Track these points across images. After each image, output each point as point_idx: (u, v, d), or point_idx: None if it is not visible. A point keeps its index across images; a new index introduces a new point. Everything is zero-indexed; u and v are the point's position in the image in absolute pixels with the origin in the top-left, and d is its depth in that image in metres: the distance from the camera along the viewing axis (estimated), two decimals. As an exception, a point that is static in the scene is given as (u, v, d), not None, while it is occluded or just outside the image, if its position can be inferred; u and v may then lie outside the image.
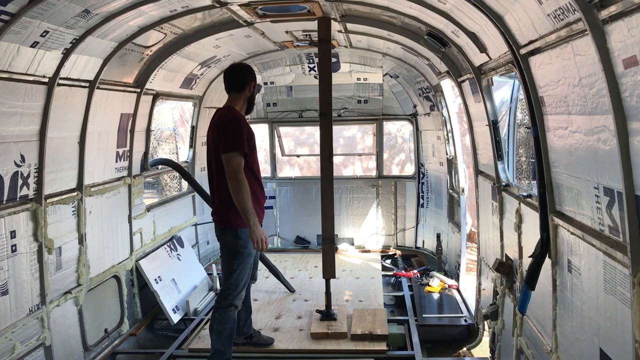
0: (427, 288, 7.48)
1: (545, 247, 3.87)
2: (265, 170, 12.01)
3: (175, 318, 6.57)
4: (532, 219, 4.31)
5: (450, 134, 7.78)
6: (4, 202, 4.33)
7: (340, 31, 6.78)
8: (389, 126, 9.66)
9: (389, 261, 9.15)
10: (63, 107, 4.90)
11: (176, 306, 6.71)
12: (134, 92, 6.25)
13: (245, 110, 5.05)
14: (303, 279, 7.98)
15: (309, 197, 9.64)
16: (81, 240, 5.43)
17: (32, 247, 4.69)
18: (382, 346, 5.65)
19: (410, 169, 11.04)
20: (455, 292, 7.35)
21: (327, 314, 6.21)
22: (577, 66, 2.99)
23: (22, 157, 4.48)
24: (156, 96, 6.85)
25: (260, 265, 7.69)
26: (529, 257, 4.12)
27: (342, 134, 18.28)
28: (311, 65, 8.88)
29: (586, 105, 2.98)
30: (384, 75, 9.11)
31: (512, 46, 3.84)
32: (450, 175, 8.17)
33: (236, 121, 4.75)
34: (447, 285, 7.51)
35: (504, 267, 5.07)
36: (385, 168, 9.91)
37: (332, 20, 5.97)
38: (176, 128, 19.03)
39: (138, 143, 6.62)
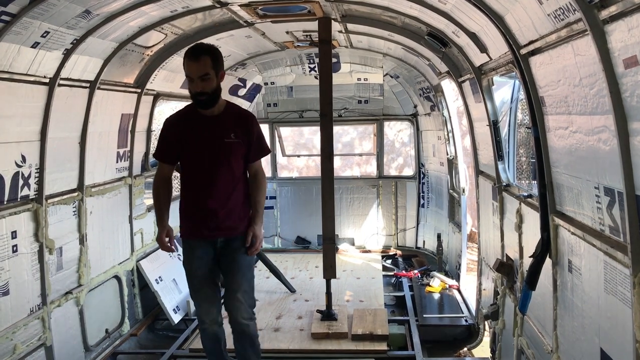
0: (428, 288, 7.48)
1: (546, 247, 3.87)
2: (265, 170, 12.03)
3: (176, 318, 6.57)
4: (532, 219, 4.31)
5: (450, 134, 7.78)
6: (5, 203, 4.34)
7: (340, 31, 6.78)
8: (387, 130, 9.68)
9: (389, 261, 9.15)
10: (64, 108, 4.91)
11: (177, 306, 6.71)
12: (135, 92, 6.25)
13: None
14: (304, 279, 7.98)
15: (310, 197, 9.63)
16: (82, 240, 5.43)
17: (33, 247, 4.69)
18: (383, 346, 5.65)
19: (408, 172, 11.04)
20: (455, 292, 7.34)
21: (327, 314, 6.20)
22: (578, 66, 2.99)
23: (23, 157, 4.49)
24: (157, 96, 6.86)
25: (261, 265, 7.71)
26: (530, 257, 4.12)
27: (340, 139, 18.26)
28: (312, 66, 8.88)
29: (586, 105, 2.98)
30: (384, 76, 9.10)
31: (513, 46, 3.84)
32: (450, 175, 8.17)
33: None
34: (447, 286, 7.51)
35: (505, 267, 5.07)
36: (384, 170, 9.94)
37: (332, 21, 5.97)
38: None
39: (139, 143, 6.62)
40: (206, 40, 6.35)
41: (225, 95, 9.20)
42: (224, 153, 4.09)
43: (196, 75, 3.88)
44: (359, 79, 9.22)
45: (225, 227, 4.18)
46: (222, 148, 4.09)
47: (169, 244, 4.30)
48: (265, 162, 13.02)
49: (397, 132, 17.31)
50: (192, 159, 4.16)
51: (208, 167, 4.10)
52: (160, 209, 4.34)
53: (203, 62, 3.89)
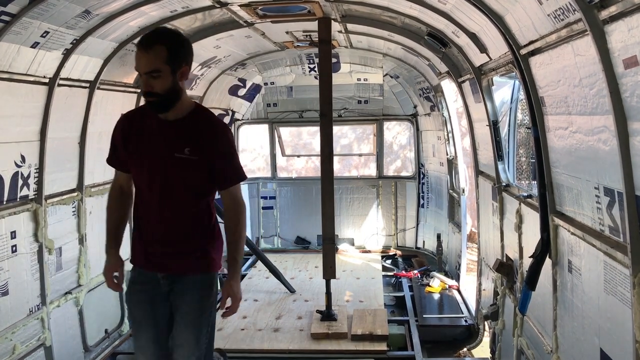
0: (428, 288, 7.48)
1: (546, 247, 3.87)
2: (265, 170, 12.06)
3: (176, 318, 6.56)
4: (532, 219, 4.30)
5: (450, 134, 7.78)
6: (4, 203, 4.33)
7: (340, 31, 6.78)
8: (385, 132, 9.70)
9: (389, 261, 9.15)
10: (63, 108, 4.90)
11: (176, 306, 6.70)
12: (134, 92, 6.25)
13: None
14: (303, 279, 7.97)
15: (309, 197, 9.63)
16: (81, 240, 5.43)
17: (33, 247, 4.69)
18: (383, 346, 5.65)
19: (408, 173, 11.05)
20: (455, 293, 7.34)
21: (327, 315, 6.20)
22: (578, 66, 2.99)
23: (23, 157, 4.48)
24: (156, 96, 6.84)
25: (261, 265, 7.71)
26: (530, 257, 4.12)
27: (339, 141, 18.24)
28: (311, 66, 8.87)
29: (586, 105, 2.98)
30: (384, 76, 9.10)
31: (513, 46, 3.84)
32: (450, 175, 8.17)
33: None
34: (447, 286, 7.51)
35: (505, 267, 5.07)
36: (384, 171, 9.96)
37: (332, 21, 5.97)
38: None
39: (138, 143, 6.61)
40: (206, 41, 6.33)
41: (224, 96, 9.27)
42: (172, 171, 3.15)
43: (143, 70, 2.97)
44: (358, 79, 9.21)
45: (171, 264, 3.27)
46: (170, 164, 3.14)
47: (116, 282, 3.34)
48: (264, 162, 13.03)
49: (396, 134, 17.31)
50: (137, 172, 3.28)
51: (153, 186, 3.20)
52: (109, 229, 3.39)
53: (154, 53, 2.95)
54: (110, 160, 3.41)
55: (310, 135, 18.56)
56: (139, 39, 3.10)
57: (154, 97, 3.04)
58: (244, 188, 9.84)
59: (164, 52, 2.96)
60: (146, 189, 3.23)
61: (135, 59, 3.01)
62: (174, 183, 3.17)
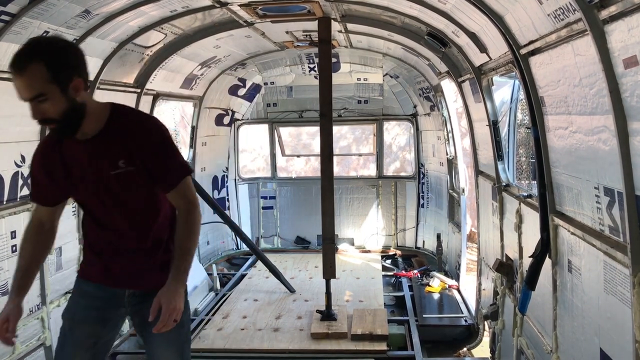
0: (428, 288, 7.48)
1: (546, 247, 3.87)
2: (265, 170, 12.05)
3: (176, 318, 6.55)
4: (532, 219, 4.30)
5: (450, 134, 7.78)
6: (5, 203, 4.34)
7: (340, 31, 6.78)
8: (384, 134, 9.74)
9: (389, 261, 9.15)
10: (63, 108, 4.89)
11: (176, 306, 6.69)
12: (134, 92, 6.25)
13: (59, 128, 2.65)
14: (303, 279, 7.97)
15: (309, 197, 9.63)
16: (81, 240, 5.42)
17: (32, 247, 4.68)
18: (383, 346, 5.65)
19: (408, 173, 11.05)
20: (455, 292, 7.34)
21: (327, 314, 6.20)
22: (577, 66, 2.99)
23: (23, 157, 4.48)
24: (156, 96, 6.85)
25: (261, 265, 7.72)
26: (529, 257, 4.12)
27: (338, 143, 18.23)
28: (311, 66, 8.87)
29: (586, 105, 2.98)
30: (384, 76, 9.10)
31: (512, 46, 3.84)
32: (450, 175, 8.17)
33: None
34: (447, 286, 7.51)
35: (504, 267, 5.07)
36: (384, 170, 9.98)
37: (332, 21, 5.97)
38: (177, 128, 19.03)
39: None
40: (206, 40, 6.33)
41: (224, 96, 9.27)
42: (116, 189, 2.78)
43: (24, 97, 2.46)
44: (358, 79, 9.21)
45: (140, 280, 2.96)
46: (110, 184, 2.76)
47: (8, 333, 2.72)
48: (264, 162, 13.00)
49: (395, 135, 17.34)
50: (79, 199, 2.96)
51: (102, 207, 2.85)
52: (19, 271, 2.86)
53: (31, 74, 2.42)
54: (34, 197, 2.94)
55: (310, 137, 18.58)
56: (11, 59, 2.47)
57: (52, 123, 2.56)
58: (244, 188, 9.84)
59: (42, 70, 2.41)
60: (95, 209, 2.88)
61: (14, 85, 2.46)
62: (124, 200, 2.82)
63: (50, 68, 2.42)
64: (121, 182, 2.75)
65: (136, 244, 2.91)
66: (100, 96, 5.49)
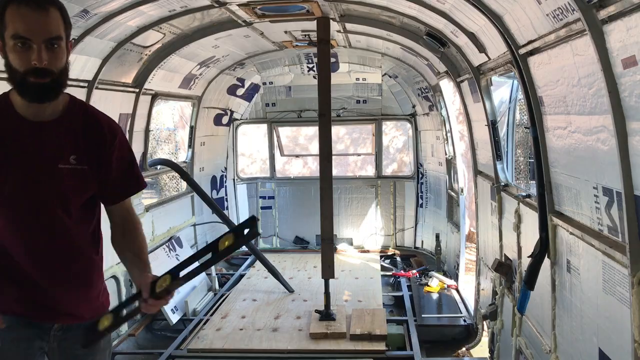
0: (426, 288, 7.48)
1: (544, 247, 3.87)
2: (264, 170, 12.05)
3: (174, 318, 6.56)
4: (531, 219, 4.31)
5: (449, 134, 7.78)
6: (3, 202, 4.30)
7: (339, 31, 6.78)
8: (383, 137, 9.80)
9: (388, 261, 9.15)
10: (62, 107, 4.89)
11: (175, 306, 6.70)
12: (133, 92, 6.24)
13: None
14: (302, 279, 7.97)
15: (308, 197, 9.63)
16: None
17: (31, 247, 4.66)
18: (381, 346, 5.65)
19: (407, 173, 11.07)
20: (454, 292, 7.35)
21: (326, 314, 6.20)
22: (576, 66, 2.99)
23: None
24: (155, 96, 6.85)
25: (259, 265, 7.71)
26: (528, 257, 4.13)
27: (335, 147, 18.20)
28: (310, 66, 8.87)
29: (585, 105, 2.98)
30: (383, 75, 9.11)
31: (511, 46, 3.85)
32: (449, 175, 8.18)
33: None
34: (446, 285, 7.51)
35: (503, 267, 5.07)
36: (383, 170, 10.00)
37: (331, 20, 5.97)
38: (176, 128, 19.03)
39: (137, 143, 6.61)
40: (204, 40, 6.33)
41: (223, 95, 9.27)
42: (55, 187, 2.36)
43: (42, 36, 2.15)
44: (357, 79, 9.22)
45: (68, 311, 2.50)
46: (51, 178, 2.35)
47: None
48: (263, 162, 12.98)
49: (392, 138, 17.36)
50: (2, 198, 2.34)
51: (27, 210, 2.35)
52: None
53: (53, 15, 2.19)
54: None
55: (308, 140, 18.60)
56: None
57: (50, 77, 2.21)
58: (242, 188, 9.86)
59: (59, 17, 2.22)
60: (17, 215, 2.35)
61: (17, 21, 2.13)
62: (59, 203, 2.38)
63: (64, 18, 2.25)
64: (64, 179, 2.37)
65: (71, 264, 2.46)
66: (99, 96, 5.48)
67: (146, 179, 6.95)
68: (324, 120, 6.01)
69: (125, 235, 2.68)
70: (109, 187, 2.53)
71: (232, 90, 9.18)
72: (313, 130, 15.61)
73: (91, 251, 2.60)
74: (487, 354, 6.01)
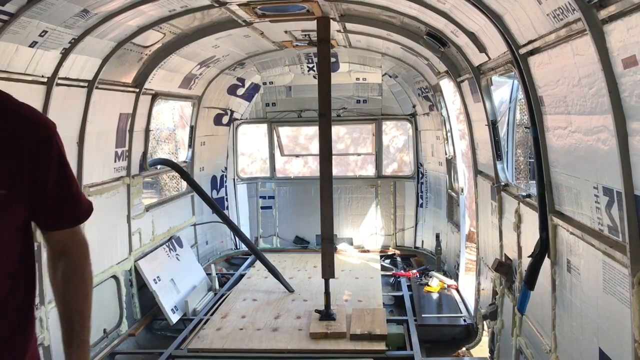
0: (426, 288, 7.48)
1: (545, 246, 3.87)
2: (264, 169, 12.06)
3: (174, 318, 6.56)
4: (531, 219, 4.30)
5: (449, 134, 7.78)
6: (3, 202, 4.28)
7: (339, 31, 6.77)
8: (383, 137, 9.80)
9: (388, 261, 9.15)
10: (62, 107, 4.89)
11: (175, 306, 6.70)
12: (133, 91, 6.24)
13: None
14: (302, 279, 7.97)
15: (308, 197, 9.63)
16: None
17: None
18: (381, 346, 5.65)
19: (407, 173, 11.08)
20: (454, 292, 7.34)
21: (326, 314, 6.20)
22: (577, 66, 2.99)
23: None
24: (155, 96, 6.85)
25: (259, 265, 7.70)
26: (528, 257, 4.12)
27: (335, 147, 18.18)
28: (310, 65, 8.87)
29: (585, 105, 2.98)
30: (383, 75, 9.10)
31: (512, 46, 3.84)
32: (449, 175, 8.17)
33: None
34: (446, 285, 7.51)
35: (503, 267, 5.07)
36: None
37: (331, 20, 5.97)
38: (175, 128, 19.04)
39: (137, 143, 6.61)
40: (205, 40, 6.34)
41: (223, 95, 9.27)
42: None
43: None
44: (357, 79, 9.22)
45: None
46: None
47: None
48: (262, 162, 12.98)
49: (392, 137, 17.36)
50: None
51: None
52: None
53: None
54: None
55: (308, 140, 18.60)
56: None
57: None
58: (242, 188, 9.84)
59: None
60: None
61: None
62: None
63: None
64: None
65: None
66: (99, 96, 5.49)
67: (146, 179, 7.00)
68: (324, 120, 6.01)
69: (61, 282, 2.00)
70: (45, 211, 1.94)
71: (232, 90, 9.18)
72: (313, 130, 15.61)
73: (24, 297, 1.92)
74: (487, 354, 6.01)
